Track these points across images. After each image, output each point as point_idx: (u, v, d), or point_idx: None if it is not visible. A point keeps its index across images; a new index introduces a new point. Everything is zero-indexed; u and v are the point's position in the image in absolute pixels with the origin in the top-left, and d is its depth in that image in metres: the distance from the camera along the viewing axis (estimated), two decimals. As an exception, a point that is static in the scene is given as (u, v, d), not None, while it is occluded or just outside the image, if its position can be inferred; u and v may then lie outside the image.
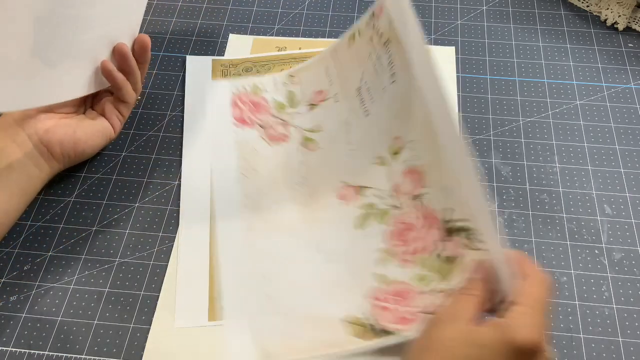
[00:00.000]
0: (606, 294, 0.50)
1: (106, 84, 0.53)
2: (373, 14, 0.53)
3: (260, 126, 0.57)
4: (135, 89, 0.54)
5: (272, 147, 0.56)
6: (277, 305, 0.48)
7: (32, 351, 0.47)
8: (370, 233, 0.49)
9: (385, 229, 0.48)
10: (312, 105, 0.58)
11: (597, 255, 0.52)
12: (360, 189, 0.51)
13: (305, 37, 0.67)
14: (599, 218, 0.54)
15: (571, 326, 0.48)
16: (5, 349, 0.47)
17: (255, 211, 0.53)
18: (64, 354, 0.47)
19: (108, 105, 0.54)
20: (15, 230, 0.53)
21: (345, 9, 0.70)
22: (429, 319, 0.39)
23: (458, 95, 0.62)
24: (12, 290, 0.50)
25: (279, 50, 0.65)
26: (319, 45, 0.65)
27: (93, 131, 0.53)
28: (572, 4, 0.70)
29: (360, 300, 0.47)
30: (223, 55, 0.65)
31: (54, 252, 0.52)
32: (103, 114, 0.54)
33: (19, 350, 0.47)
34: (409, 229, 0.47)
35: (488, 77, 0.64)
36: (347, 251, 0.49)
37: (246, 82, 0.61)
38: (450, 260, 0.43)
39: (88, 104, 0.55)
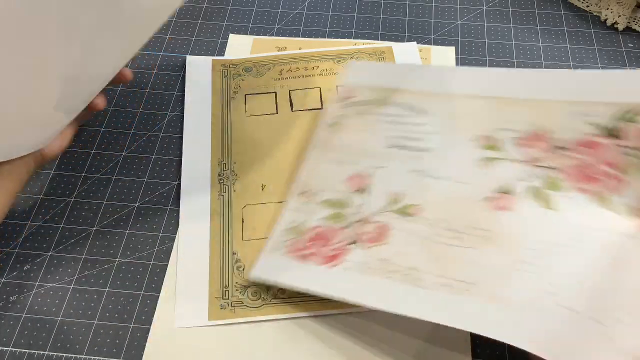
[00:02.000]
0: (606, 294, 0.50)
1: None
2: (342, 99, 0.56)
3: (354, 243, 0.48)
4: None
5: (382, 246, 0.47)
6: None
7: (32, 351, 0.47)
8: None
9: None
10: (361, 190, 0.51)
11: (597, 255, 0.52)
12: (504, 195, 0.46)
13: (305, 37, 0.67)
14: (599, 218, 0.54)
15: (571, 326, 0.48)
16: (5, 349, 0.47)
17: None
18: (64, 354, 0.47)
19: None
20: (15, 230, 0.53)
21: (345, 9, 0.70)
22: None
23: (458, 95, 0.62)
24: (12, 290, 0.50)
25: (278, 50, 0.65)
26: (319, 46, 0.65)
27: None
28: (572, 4, 0.70)
29: None
30: (223, 55, 0.65)
31: (54, 252, 0.52)
32: None
33: (19, 350, 0.47)
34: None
35: (488, 77, 0.64)
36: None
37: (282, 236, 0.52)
38: None
39: None
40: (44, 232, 0.53)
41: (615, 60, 0.65)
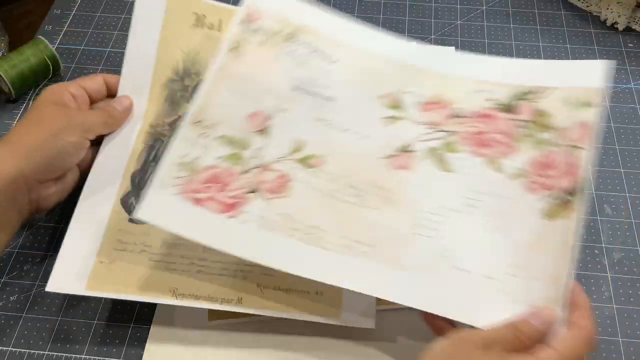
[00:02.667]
0: (606, 294, 0.50)
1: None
2: (245, 21, 0.53)
3: (252, 192, 0.47)
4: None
5: (282, 199, 0.47)
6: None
7: (32, 351, 0.47)
8: None
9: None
10: (261, 131, 0.49)
11: (597, 255, 0.52)
12: (407, 153, 0.48)
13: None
14: (599, 218, 0.54)
15: (571, 326, 0.48)
16: (5, 349, 0.47)
17: None
18: (64, 354, 0.47)
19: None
20: (15, 230, 0.53)
21: (345, 9, 0.70)
22: (470, 332, 0.39)
23: (458, 95, 0.62)
24: (12, 290, 0.50)
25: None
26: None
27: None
28: (572, 4, 0.70)
29: None
30: None
31: (54, 252, 0.51)
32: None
33: (19, 350, 0.47)
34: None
35: (488, 77, 0.63)
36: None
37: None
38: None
39: None
40: (44, 232, 0.53)
41: (615, 60, 0.65)
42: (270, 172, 0.47)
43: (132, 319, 0.48)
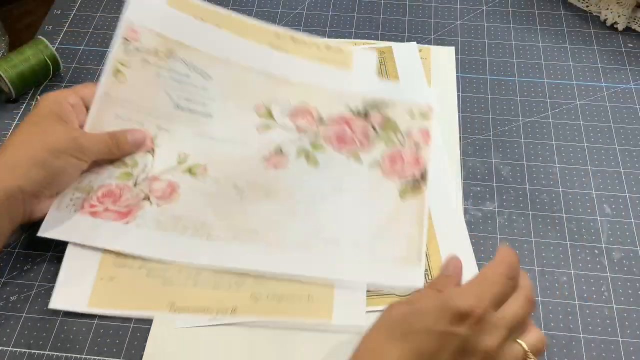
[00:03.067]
0: (606, 293, 0.50)
1: None
2: (125, 40, 0.56)
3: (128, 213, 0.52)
4: None
5: (172, 204, 0.52)
6: None
7: (32, 351, 0.47)
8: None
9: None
10: (149, 152, 0.54)
11: (597, 255, 0.52)
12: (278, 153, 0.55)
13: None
14: (598, 218, 0.54)
15: (571, 326, 0.48)
16: (5, 348, 0.47)
17: None
18: (64, 354, 0.47)
19: None
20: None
21: (345, 9, 0.70)
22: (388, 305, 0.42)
23: (458, 96, 0.62)
24: (12, 290, 0.50)
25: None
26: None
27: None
28: (572, 4, 0.70)
29: None
30: None
31: (54, 252, 0.52)
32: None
33: (19, 350, 0.47)
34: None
35: (488, 77, 0.64)
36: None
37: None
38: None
39: None
40: (44, 232, 0.53)
41: (615, 60, 0.65)
42: (159, 182, 0.53)
43: (132, 319, 0.48)
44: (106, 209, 0.51)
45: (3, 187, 0.46)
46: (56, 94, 0.52)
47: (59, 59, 0.62)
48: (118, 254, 0.50)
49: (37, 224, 0.51)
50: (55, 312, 0.48)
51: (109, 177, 0.53)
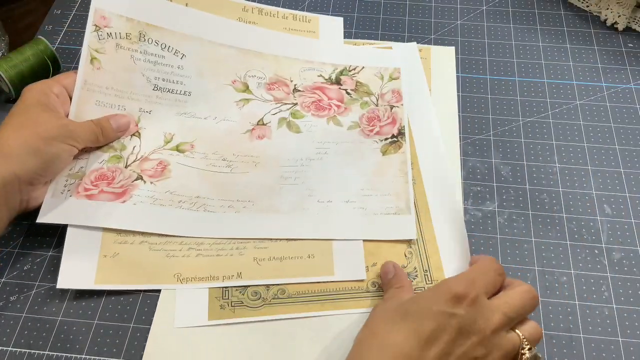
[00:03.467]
0: (606, 293, 0.50)
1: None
2: (96, 27, 0.57)
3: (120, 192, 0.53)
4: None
5: (165, 180, 0.54)
6: None
7: (32, 351, 0.47)
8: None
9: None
10: (134, 135, 0.56)
11: (597, 255, 0.52)
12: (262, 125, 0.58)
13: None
14: (598, 218, 0.54)
15: (571, 326, 0.48)
16: (5, 349, 0.47)
17: None
18: (64, 354, 0.47)
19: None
20: (15, 230, 0.53)
21: (345, 9, 0.70)
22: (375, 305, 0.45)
23: (458, 96, 0.62)
24: (12, 290, 0.50)
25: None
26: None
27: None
28: (572, 4, 0.70)
29: None
30: None
31: (54, 252, 0.52)
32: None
33: (19, 350, 0.47)
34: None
35: (488, 77, 0.64)
36: None
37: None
38: None
39: None
40: (44, 232, 0.53)
41: (615, 60, 0.65)
42: (150, 162, 0.55)
43: (132, 319, 0.48)
44: (101, 191, 0.52)
45: (0, 175, 0.46)
46: (40, 84, 0.53)
47: (59, 59, 0.62)
48: (119, 231, 0.51)
49: (37, 226, 0.51)
50: (56, 312, 0.49)
51: (100, 162, 0.54)
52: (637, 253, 0.52)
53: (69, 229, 0.50)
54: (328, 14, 0.69)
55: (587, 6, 0.69)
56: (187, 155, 0.55)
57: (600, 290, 0.50)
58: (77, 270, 0.49)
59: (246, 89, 0.59)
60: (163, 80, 0.58)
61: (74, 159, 0.53)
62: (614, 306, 0.49)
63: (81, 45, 0.58)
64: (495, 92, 0.62)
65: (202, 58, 0.59)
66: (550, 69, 0.64)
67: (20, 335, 0.48)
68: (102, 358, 0.46)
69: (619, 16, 0.66)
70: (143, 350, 0.47)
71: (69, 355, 0.47)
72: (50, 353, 0.47)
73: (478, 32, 0.67)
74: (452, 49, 0.66)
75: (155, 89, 0.57)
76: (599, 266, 0.51)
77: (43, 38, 0.62)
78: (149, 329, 0.48)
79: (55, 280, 0.50)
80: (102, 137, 0.54)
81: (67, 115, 0.53)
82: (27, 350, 0.47)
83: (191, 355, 0.46)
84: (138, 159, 0.54)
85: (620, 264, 0.51)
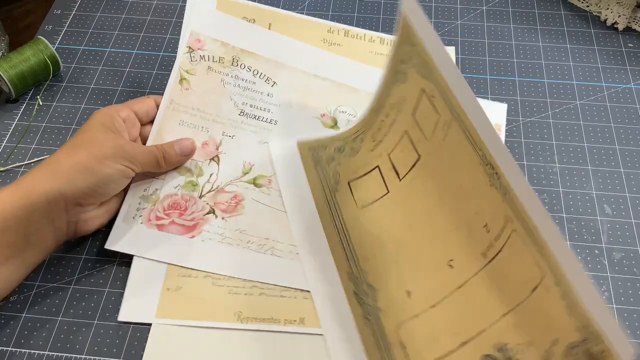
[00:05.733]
0: (606, 294, 0.50)
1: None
2: (189, 49, 0.58)
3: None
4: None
5: (237, 217, 0.52)
6: None
7: (32, 351, 0.47)
8: None
9: None
10: (213, 159, 0.54)
11: (597, 255, 0.52)
12: None
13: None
14: (599, 218, 0.54)
15: (571, 326, 0.48)
16: (5, 349, 0.47)
17: None
18: (64, 354, 0.47)
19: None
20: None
21: (345, 9, 0.70)
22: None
23: (458, 95, 0.62)
24: (12, 290, 0.50)
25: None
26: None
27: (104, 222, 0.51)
28: (572, 4, 0.70)
29: None
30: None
31: (53, 252, 0.52)
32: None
33: (19, 350, 0.47)
34: None
35: (488, 77, 0.64)
36: None
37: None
38: None
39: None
40: (44, 232, 0.53)
41: (615, 60, 0.65)
42: (225, 194, 0.53)
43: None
44: (172, 222, 0.51)
45: (44, 191, 0.45)
46: (108, 108, 0.51)
47: (59, 59, 0.62)
48: None
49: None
50: (56, 312, 0.49)
51: (175, 187, 0.53)
52: (637, 253, 0.52)
53: (134, 260, 0.50)
54: (328, 14, 0.69)
55: (587, 6, 0.69)
56: (263, 190, 0.53)
57: (600, 290, 0.50)
58: (139, 302, 0.48)
59: (334, 124, 0.57)
60: (250, 106, 0.57)
61: (149, 179, 0.52)
62: (614, 306, 0.49)
63: (81, 45, 0.59)
64: (495, 92, 0.62)
65: (293, 88, 0.58)
66: (550, 69, 0.64)
67: (20, 335, 0.48)
68: (102, 358, 0.46)
69: (619, 16, 0.66)
70: (143, 350, 0.47)
71: (69, 355, 0.47)
72: (50, 353, 0.47)
73: (478, 32, 0.67)
74: (452, 49, 0.66)
75: (242, 114, 0.56)
76: (599, 266, 0.51)
77: (43, 38, 0.62)
78: (149, 329, 0.47)
79: (54, 280, 0.50)
80: (164, 162, 0.52)
81: (134, 140, 0.52)
82: (27, 351, 0.47)
83: (191, 355, 0.46)
84: (213, 189, 0.53)
85: (620, 264, 0.51)
